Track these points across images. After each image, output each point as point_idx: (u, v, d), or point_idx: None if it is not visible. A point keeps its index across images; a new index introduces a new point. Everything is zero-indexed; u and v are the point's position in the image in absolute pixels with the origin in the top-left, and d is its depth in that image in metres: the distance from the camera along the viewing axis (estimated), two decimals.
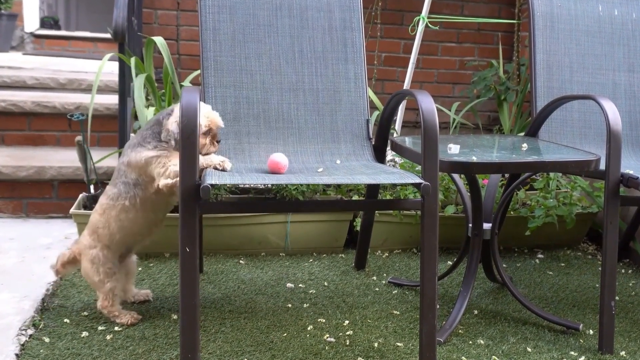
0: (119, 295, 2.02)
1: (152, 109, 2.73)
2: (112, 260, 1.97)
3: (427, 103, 1.73)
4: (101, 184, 2.74)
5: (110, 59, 2.86)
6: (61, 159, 3.17)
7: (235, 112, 2.13)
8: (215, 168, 1.79)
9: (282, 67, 2.21)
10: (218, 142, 1.91)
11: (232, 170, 1.82)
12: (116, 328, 1.95)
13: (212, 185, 1.55)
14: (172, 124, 1.85)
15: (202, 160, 1.78)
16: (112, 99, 3.44)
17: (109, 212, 1.93)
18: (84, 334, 1.91)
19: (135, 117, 3.14)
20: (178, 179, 1.77)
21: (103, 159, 2.80)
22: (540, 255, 2.86)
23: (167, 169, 1.82)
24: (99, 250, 1.96)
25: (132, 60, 2.73)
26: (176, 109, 1.87)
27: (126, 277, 2.10)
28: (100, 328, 1.95)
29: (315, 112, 2.20)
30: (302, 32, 2.24)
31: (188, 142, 1.57)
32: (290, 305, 2.19)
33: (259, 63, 2.19)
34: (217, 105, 2.11)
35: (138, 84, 2.64)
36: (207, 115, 1.88)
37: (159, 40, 2.82)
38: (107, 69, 3.71)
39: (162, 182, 1.83)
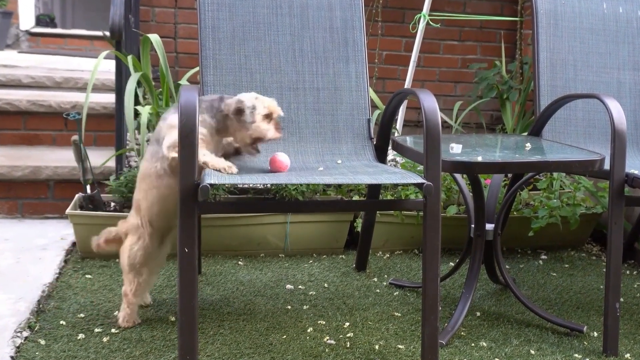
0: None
1: (148, 108, 2.73)
2: (154, 244, 1.93)
3: (430, 102, 1.73)
4: (97, 184, 2.73)
5: (107, 57, 2.86)
6: (57, 159, 3.17)
7: None
8: (218, 171, 1.77)
9: (282, 65, 2.21)
10: (281, 129, 1.86)
11: None
12: (113, 330, 1.95)
13: (211, 185, 1.55)
14: (245, 96, 1.81)
15: (211, 159, 1.76)
16: (109, 98, 3.44)
17: (146, 179, 1.87)
18: (80, 336, 1.91)
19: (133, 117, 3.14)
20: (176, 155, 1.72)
21: (105, 162, 2.81)
22: (543, 256, 2.86)
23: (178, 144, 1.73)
24: (145, 231, 1.91)
25: (129, 58, 2.73)
26: (244, 96, 1.84)
27: (153, 272, 2.04)
28: (96, 330, 1.95)
29: (315, 111, 2.20)
30: (302, 31, 2.24)
31: (187, 142, 1.57)
32: (289, 307, 2.20)
33: (259, 62, 2.19)
34: None
35: (130, 83, 2.64)
36: (266, 101, 1.84)
37: (154, 38, 2.81)
38: (103, 67, 3.70)
39: (173, 153, 1.76)
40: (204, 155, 1.76)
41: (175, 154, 1.75)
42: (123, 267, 1.96)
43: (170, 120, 1.83)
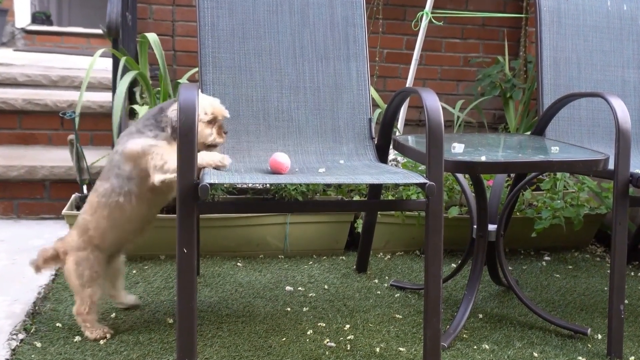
0: (102, 299, 1.97)
1: (145, 107, 2.73)
2: (101, 263, 1.92)
3: (432, 101, 1.73)
4: (94, 184, 2.73)
5: (104, 55, 2.86)
6: (53, 159, 3.17)
7: (234, 111, 2.13)
8: (217, 167, 1.77)
9: (282, 64, 2.21)
10: (225, 133, 1.87)
11: (231, 170, 1.82)
12: (108, 334, 1.94)
13: (210, 184, 1.56)
14: (172, 111, 1.81)
15: (202, 158, 1.75)
16: (106, 97, 3.44)
17: (101, 212, 1.87)
18: (77, 338, 1.91)
19: (130, 116, 3.14)
20: (174, 174, 1.74)
21: (99, 160, 2.81)
22: (547, 258, 2.87)
23: (166, 163, 1.76)
24: (89, 253, 1.90)
25: (123, 58, 2.72)
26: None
27: (114, 278, 2.05)
28: None
29: (316, 110, 2.20)
30: (302, 29, 2.24)
31: (186, 140, 1.57)
32: (289, 309, 2.20)
33: (259, 60, 2.20)
34: None
35: (123, 82, 2.64)
36: (212, 104, 1.85)
37: (151, 37, 2.81)
38: (100, 65, 3.71)
39: (157, 177, 1.77)
40: (174, 162, 1.76)
41: (168, 176, 1.77)
42: (73, 288, 1.93)
43: (131, 147, 1.82)
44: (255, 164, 1.99)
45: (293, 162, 1.91)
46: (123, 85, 2.62)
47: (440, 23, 3.27)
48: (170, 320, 2.06)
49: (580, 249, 2.99)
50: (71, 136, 2.67)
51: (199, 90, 1.82)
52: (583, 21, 2.42)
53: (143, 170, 1.82)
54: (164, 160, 1.77)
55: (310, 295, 2.33)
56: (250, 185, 2.73)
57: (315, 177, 1.74)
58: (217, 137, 1.86)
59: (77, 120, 2.64)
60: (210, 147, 1.86)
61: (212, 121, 1.85)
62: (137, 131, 1.84)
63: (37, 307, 2.11)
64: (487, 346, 1.99)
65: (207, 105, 1.84)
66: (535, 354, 1.95)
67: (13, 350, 1.83)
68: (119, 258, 2.05)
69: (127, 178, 1.83)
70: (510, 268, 2.70)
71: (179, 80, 2.91)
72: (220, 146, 2.06)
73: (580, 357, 1.94)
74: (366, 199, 2.72)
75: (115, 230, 1.90)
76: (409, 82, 3.30)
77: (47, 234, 2.86)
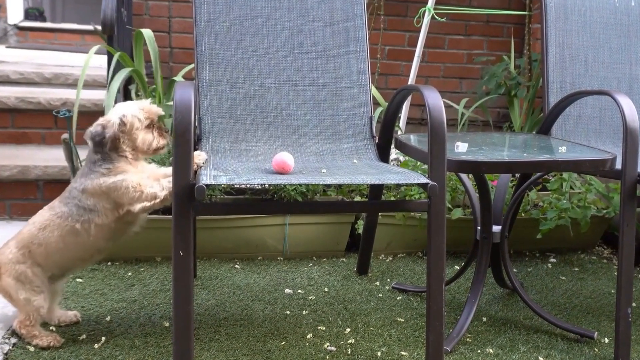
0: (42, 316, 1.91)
1: None
2: (41, 278, 1.87)
3: (434, 99, 1.73)
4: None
5: (99, 52, 2.86)
6: (46, 158, 3.17)
7: (232, 109, 2.13)
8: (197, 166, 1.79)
9: (280, 61, 2.21)
10: (167, 132, 1.87)
11: (228, 170, 1.82)
12: (103, 338, 1.95)
13: (207, 185, 1.56)
14: (96, 126, 1.82)
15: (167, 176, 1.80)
16: (101, 95, 3.44)
17: (53, 231, 1.83)
18: (71, 342, 1.91)
19: None
20: (157, 200, 1.78)
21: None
22: (552, 260, 2.87)
23: (142, 192, 1.78)
24: (28, 268, 1.84)
25: (117, 54, 2.72)
26: (109, 113, 1.84)
27: (51, 297, 1.97)
28: (87, 336, 1.95)
29: (315, 108, 2.20)
30: (302, 24, 2.24)
31: (182, 140, 1.57)
32: (288, 312, 2.20)
33: (257, 57, 2.20)
34: (212, 101, 2.11)
35: (118, 79, 2.63)
36: (142, 107, 1.84)
37: (146, 32, 2.81)
38: (95, 62, 3.70)
39: (138, 206, 1.79)
40: (152, 187, 1.79)
41: (147, 204, 1.79)
42: (15, 304, 1.89)
43: (93, 187, 1.80)
44: (253, 164, 1.99)
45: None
46: (116, 82, 2.62)
47: (443, 19, 3.28)
48: (167, 324, 2.06)
49: (587, 251, 2.99)
50: (65, 135, 2.67)
51: (127, 102, 1.87)
52: (590, 17, 2.42)
53: (110, 204, 1.81)
54: (139, 190, 1.78)
55: (310, 298, 2.33)
56: (248, 185, 2.73)
57: (315, 177, 1.74)
58: (161, 139, 1.86)
59: (74, 118, 2.64)
60: (157, 150, 1.87)
61: (150, 125, 1.85)
62: (90, 171, 1.83)
63: None
64: (491, 350, 1.99)
65: (138, 110, 1.84)
66: (541, 358, 1.95)
67: (5, 354, 1.83)
68: (60, 281, 1.99)
69: (89, 209, 1.82)
70: (515, 270, 2.70)
71: (174, 78, 2.90)
72: (218, 145, 2.06)
73: None
74: (367, 199, 2.72)
75: (63, 254, 1.86)
76: (411, 80, 3.30)
77: None
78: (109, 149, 1.81)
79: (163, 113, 1.90)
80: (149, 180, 1.81)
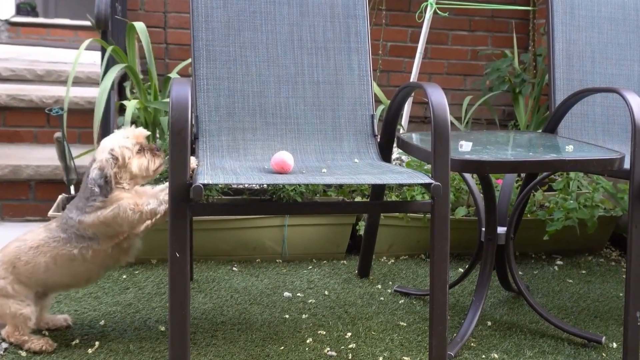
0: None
1: (134, 102, 2.72)
2: (26, 294, 1.86)
3: (438, 97, 1.73)
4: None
5: (93, 48, 2.86)
6: (39, 157, 3.17)
7: (229, 107, 2.13)
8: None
9: (280, 57, 2.21)
10: (158, 150, 1.88)
11: (226, 169, 1.82)
12: (97, 342, 1.95)
13: (204, 184, 1.55)
14: (93, 170, 1.81)
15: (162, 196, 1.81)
16: (95, 92, 3.42)
17: (45, 252, 1.84)
18: (64, 347, 1.91)
19: (119, 112, 3.14)
20: (158, 215, 1.81)
21: (82, 155, 2.80)
22: (559, 262, 2.87)
23: (143, 213, 1.79)
24: (8, 284, 1.84)
25: (110, 48, 2.72)
26: (98, 152, 1.84)
27: (39, 310, 1.95)
28: (81, 341, 1.95)
29: (315, 106, 2.20)
30: (301, 20, 2.24)
31: (178, 139, 1.57)
32: (287, 316, 2.20)
33: (255, 53, 2.19)
34: (210, 98, 2.11)
35: (110, 75, 2.63)
36: (127, 135, 1.85)
37: (139, 25, 2.80)
38: (89, 59, 3.71)
39: (141, 227, 1.84)
40: (149, 204, 1.81)
41: (148, 222, 1.84)
42: (1, 318, 1.88)
43: (90, 221, 1.81)
44: (251, 163, 1.99)
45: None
46: (108, 79, 2.62)
47: (446, 14, 3.27)
48: (162, 328, 2.05)
49: (595, 253, 2.99)
50: (58, 134, 2.67)
51: (119, 129, 1.90)
52: (597, 12, 2.42)
53: (112, 231, 1.83)
54: (138, 211, 1.80)
55: (309, 301, 2.33)
56: (246, 185, 2.73)
57: (315, 177, 1.74)
58: (156, 160, 1.87)
59: (64, 116, 2.63)
60: (156, 171, 1.88)
61: (141, 149, 1.85)
62: (85, 206, 1.82)
63: None
64: (496, 355, 1.98)
65: (124, 138, 1.84)
66: None
67: None
68: (46, 298, 1.98)
69: (90, 238, 1.83)
70: (520, 273, 2.70)
71: (169, 75, 2.90)
72: (215, 144, 2.06)
73: None
74: (368, 200, 2.72)
75: (50, 276, 1.86)
76: (414, 77, 3.30)
77: None
78: (111, 186, 1.82)
79: (149, 133, 1.91)
80: (144, 199, 1.82)
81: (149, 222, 1.84)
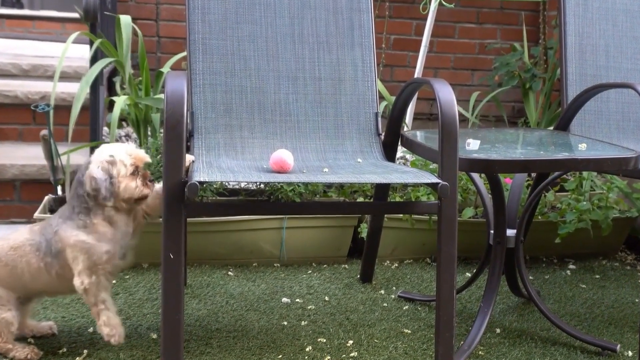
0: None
1: (124, 98, 2.73)
2: (7, 298, 1.86)
3: (445, 93, 1.73)
4: (70, 184, 2.74)
5: (82, 42, 2.86)
6: (24, 156, 3.17)
7: (227, 103, 2.13)
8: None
9: (279, 51, 2.21)
10: (151, 181, 1.86)
11: (222, 168, 1.83)
12: (85, 351, 1.95)
13: (200, 182, 1.56)
14: (95, 170, 1.79)
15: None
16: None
17: (22, 256, 1.84)
18: (50, 355, 1.91)
19: (109, 109, 3.14)
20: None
21: (67, 152, 2.80)
22: (571, 266, 2.87)
23: (80, 274, 1.78)
24: None
25: (97, 42, 2.72)
26: (95, 154, 1.83)
27: (22, 314, 1.96)
28: (68, 349, 1.96)
29: (316, 103, 2.21)
30: (303, 12, 2.24)
31: (173, 134, 1.58)
32: (286, 323, 2.20)
33: (254, 47, 2.20)
34: (206, 94, 2.12)
35: (96, 68, 2.63)
36: (130, 153, 1.84)
37: (124, 19, 2.80)
38: (77, 53, 3.71)
39: (76, 282, 1.80)
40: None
41: (80, 287, 1.81)
42: None
43: (66, 239, 1.80)
44: (249, 162, 1.99)
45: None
46: (93, 72, 2.61)
47: (452, 5, 3.28)
48: (154, 336, 2.06)
49: (609, 257, 3.00)
50: (44, 131, 2.67)
51: (116, 144, 1.86)
52: (612, 4, 2.43)
53: (67, 264, 1.82)
54: (82, 268, 1.79)
55: (309, 307, 2.33)
56: (242, 185, 2.73)
57: (316, 176, 1.74)
58: (144, 189, 1.84)
59: (51, 113, 2.64)
60: (139, 201, 1.85)
61: (135, 172, 1.84)
62: (68, 217, 1.82)
63: None
64: None
65: (125, 155, 1.83)
66: None
67: None
68: (30, 303, 1.99)
69: (55, 255, 1.82)
70: (531, 277, 2.71)
71: (161, 69, 2.91)
72: (211, 141, 2.07)
73: None
74: (371, 200, 2.73)
75: (28, 282, 1.86)
76: (418, 72, 3.30)
77: None
78: (115, 190, 1.81)
79: (150, 161, 1.89)
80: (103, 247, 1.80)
81: (80, 286, 1.80)
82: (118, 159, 1.81)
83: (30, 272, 1.84)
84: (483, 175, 2.57)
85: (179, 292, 1.60)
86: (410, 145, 2.07)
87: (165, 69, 2.97)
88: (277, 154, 1.79)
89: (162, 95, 2.63)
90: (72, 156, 2.89)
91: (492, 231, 2.20)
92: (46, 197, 2.70)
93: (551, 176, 2.33)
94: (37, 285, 1.87)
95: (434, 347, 1.75)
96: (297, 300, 2.39)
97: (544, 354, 2.06)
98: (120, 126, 3.64)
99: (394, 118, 2.19)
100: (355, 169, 1.92)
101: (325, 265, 2.75)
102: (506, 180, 2.75)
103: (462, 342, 2.06)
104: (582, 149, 1.96)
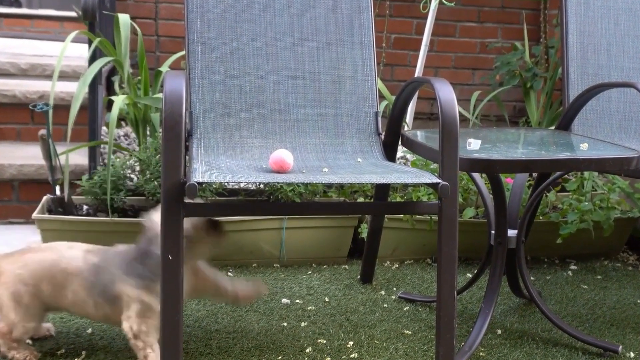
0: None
1: (122, 98, 2.72)
2: (39, 314, 1.87)
3: (446, 92, 1.73)
4: (69, 184, 2.73)
5: (78, 41, 2.85)
6: (22, 156, 3.17)
7: (226, 102, 2.13)
8: None
9: (279, 50, 2.21)
10: None
11: (221, 168, 1.82)
12: (83, 352, 1.95)
13: (199, 183, 1.56)
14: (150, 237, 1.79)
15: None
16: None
17: (74, 282, 1.81)
18: (48, 357, 1.91)
19: (108, 108, 3.14)
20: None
21: (66, 152, 2.79)
22: (573, 267, 2.87)
23: (141, 334, 1.78)
24: (27, 294, 1.82)
25: (96, 40, 2.72)
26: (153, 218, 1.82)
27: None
28: (66, 350, 1.95)
29: (316, 102, 2.21)
30: (302, 11, 2.24)
31: (172, 134, 1.57)
32: (285, 324, 2.20)
33: (253, 46, 2.20)
34: (205, 93, 2.11)
35: (94, 67, 2.62)
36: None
37: (122, 17, 2.80)
38: (76, 52, 3.70)
39: (125, 327, 1.79)
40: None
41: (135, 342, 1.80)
42: (4, 318, 1.86)
43: (130, 289, 1.78)
44: (248, 162, 1.99)
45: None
46: (91, 72, 2.61)
47: (452, 4, 3.27)
48: None
49: (611, 257, 2.99)
50: (42, 131, 2.67)
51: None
52: (614, 3, 2.43)
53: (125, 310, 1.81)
54: (134, 315, 1.78)
55: (309, 308, 2.33)
56: (242, 185, 2.73)
57: (316, 176, 1.74)
58: None
59: (50, 113, 2.63)
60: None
61: None
62: (137, 267, 1.80)
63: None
64: None
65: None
66: None
67: None
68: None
69: (110, 301, 1.81)
70: (532, 278, 2.71)
71: (160, 69, 2.90)
72: (210, 141, 2.07)
73: None
74: (372, 200, 2.73)
75: (72, 305, 1.86)
76: (418, 71, 3.30)
77: (15, 240, 2.85)
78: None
79: None
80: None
81: (132, 340, 1.80)
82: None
83: (76, 301, 1.83)
84: (484, 175, 2.57)
85: (179, 293, 1.60)
86: (411, 145, 2.07)
87: (164, 68, 2.96)
88: (277, 153, 1.79)
89: (161, 95, 2.63)
90: (70, 156, 2.89)
91: (493, 231, 2.20)
92: (44, 197, 2.70)
93: (552, 176, 2.33)
94: (75, 310, 1.87)
95: (435, 348, 1.74)
96: (297, 301, 2.39)
97: (545, 355, 2.06)
98: (119, 126, 3.64)
99: (394, 117, 2.19)
100: (355, 168, 1.92)
101: (325, 266, 2.75)
102: (507, 180, 2.75)
103: (463, 343, 2.06)
104: (584, 149, 1.96)
